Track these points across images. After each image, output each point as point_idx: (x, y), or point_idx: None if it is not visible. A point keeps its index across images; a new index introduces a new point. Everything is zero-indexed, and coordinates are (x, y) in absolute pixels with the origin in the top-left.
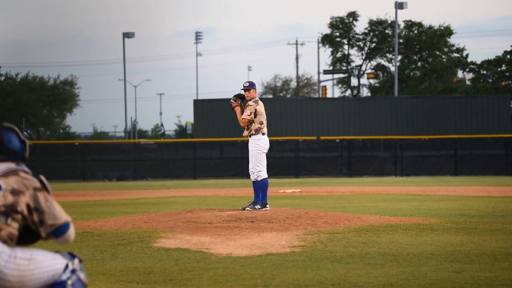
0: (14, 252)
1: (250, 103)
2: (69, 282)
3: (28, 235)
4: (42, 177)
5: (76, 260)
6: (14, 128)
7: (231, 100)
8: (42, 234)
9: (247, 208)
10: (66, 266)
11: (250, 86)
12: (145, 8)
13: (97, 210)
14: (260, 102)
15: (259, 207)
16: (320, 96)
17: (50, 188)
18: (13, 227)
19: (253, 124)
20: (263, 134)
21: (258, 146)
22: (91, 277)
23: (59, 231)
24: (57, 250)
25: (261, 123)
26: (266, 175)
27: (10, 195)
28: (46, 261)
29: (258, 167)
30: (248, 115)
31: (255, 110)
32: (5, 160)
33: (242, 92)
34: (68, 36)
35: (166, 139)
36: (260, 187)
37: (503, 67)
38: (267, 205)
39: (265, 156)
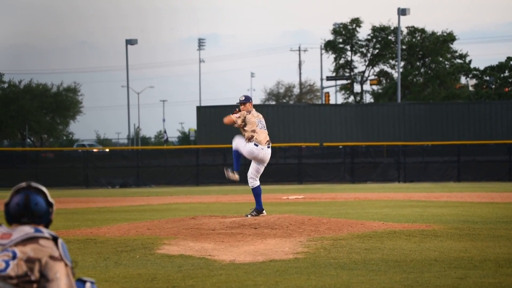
0: None
1: (243, 110)
2: None
3: None
4: (64, 248)
5: (88, 285)
6: (42, 189)
7: (236, 109)
8: None
9: (249, 215)
10: None
11: (246, 100)
12: (148, 15)
13: (100, 217)
14: (255, 113)
15: (255, 213)
16: (323, 102)
17: (69, 257)
18: None
19: (245, 132)
20: (256, 145)
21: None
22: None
23: None
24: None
25: (254, 131)
26: (255, 184)
27: (25, 264)
28: None
29: (250, 174)
30: (237, 117)
31: (245, 117)
32: (29, 223)
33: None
34: (71, 43)
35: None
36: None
37: (506, 73)
38: (264, 211)
39: (257, 165)
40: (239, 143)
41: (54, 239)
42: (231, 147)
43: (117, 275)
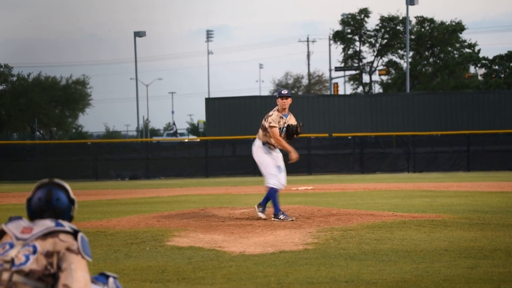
0: None
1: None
2: None
3: None
4: (85, 241)
5: (111, 280)
6: (65, 185)
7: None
8: None
9: (274, 219)
10: None
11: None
12: (156, 7)
13: (110, 209)
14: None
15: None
16: (332, 93)
17: (90, 252)
18: None
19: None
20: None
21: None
22: None
23: None
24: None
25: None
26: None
27: (44, 258)
28: None
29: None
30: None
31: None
32: (50, 218)
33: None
34: (79, 36)
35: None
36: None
37: None
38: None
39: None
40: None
41: (75, 233)
42: (240, 138)
43: (127, 267)
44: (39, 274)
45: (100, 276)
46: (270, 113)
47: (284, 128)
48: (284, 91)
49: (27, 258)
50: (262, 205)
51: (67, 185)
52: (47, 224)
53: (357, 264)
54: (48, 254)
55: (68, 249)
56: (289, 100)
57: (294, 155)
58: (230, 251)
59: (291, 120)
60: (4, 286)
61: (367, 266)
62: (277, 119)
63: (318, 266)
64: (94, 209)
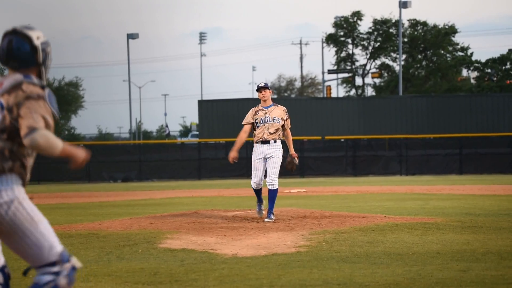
0: (23, 200)
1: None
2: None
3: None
4: (48, 92)
5: (68, 265)
6: (26, 33)
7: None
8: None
9: (267, 219)
10: (54, 263)
11: (266, 85)
12: (150, 9)
13: (102, 211)
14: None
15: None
16: (325, 95)
17: (57, 108)
18: (21, 153)
19: (280, 128)
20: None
21: (282, 152)
22: (97, 279)
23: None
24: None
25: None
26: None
27: (8, 114)
28: (45, 235)
29: (276, 174)
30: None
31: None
32: (17, 68)
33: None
34: (72, 38)
35: (171, 139)
36: (276, 196)
37: (508, 66)
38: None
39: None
40: (279, 162)
41: (42, 87)
42: (233, 140)
43: (119, 269)
44: (7, 132)
45: (66, 253)
46: None
47: (268, 119)
48: (260, 84)
49: None
50: (268, 209)
51: (30, 33)
52: (16, 77)
53: (349, 266)
54: (9, 108)
55: (27, 98)
56: (267, 92)
57: (231, 154)
58: (222, 254)
59: (274, 112)
60: None
61: (359, 268)
62: (250, 115)
63: (310, 268)
64: (87, 211)
